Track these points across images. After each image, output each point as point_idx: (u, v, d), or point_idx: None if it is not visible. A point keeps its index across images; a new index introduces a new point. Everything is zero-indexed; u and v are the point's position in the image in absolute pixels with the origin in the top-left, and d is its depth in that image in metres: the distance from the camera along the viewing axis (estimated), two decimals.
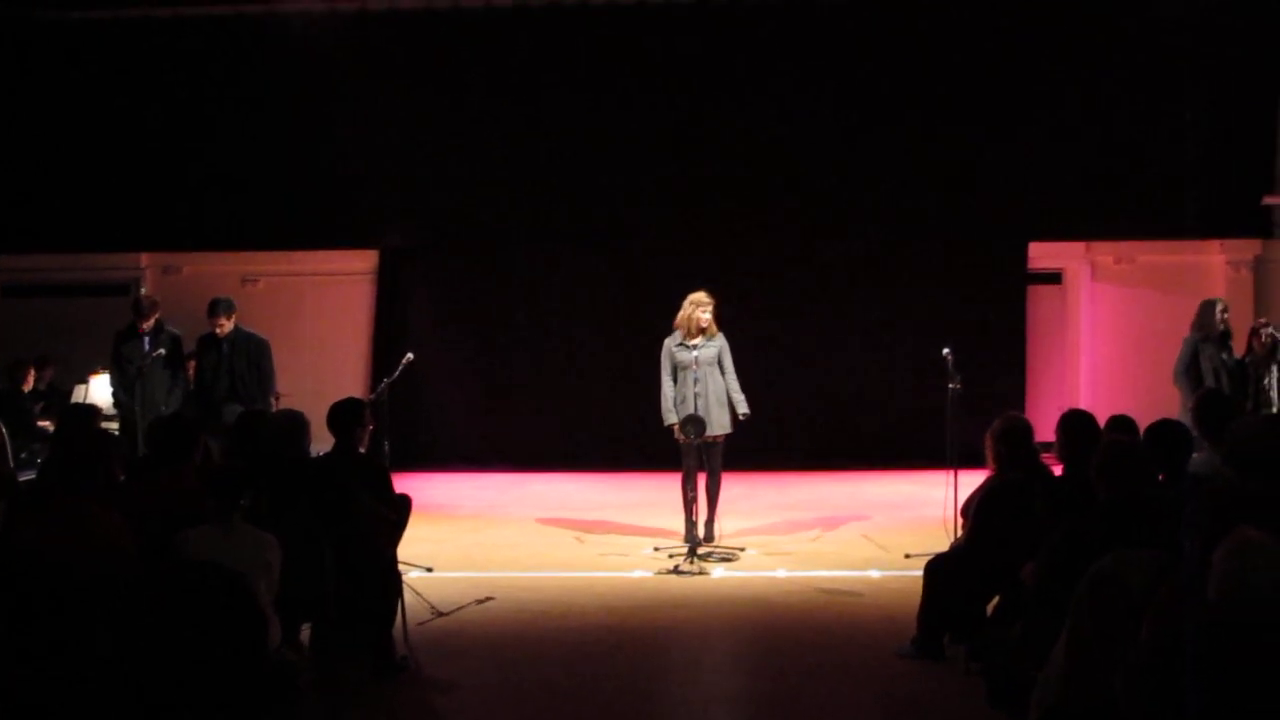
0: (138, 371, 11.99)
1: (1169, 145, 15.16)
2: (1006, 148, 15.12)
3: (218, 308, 12.12)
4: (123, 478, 7.43)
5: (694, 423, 10.57)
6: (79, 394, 13.90)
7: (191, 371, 12.52)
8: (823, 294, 15.41)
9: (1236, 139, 15.17)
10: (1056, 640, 5.43)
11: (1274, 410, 11.81)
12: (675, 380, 10.96)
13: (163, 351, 12.18)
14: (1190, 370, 12.18)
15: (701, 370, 10.78)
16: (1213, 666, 4.22)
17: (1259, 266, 15.34)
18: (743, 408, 11.01)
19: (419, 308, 15.75)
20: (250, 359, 12.10)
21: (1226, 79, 14.99)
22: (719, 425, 10.89)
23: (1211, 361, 12.12)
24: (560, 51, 15.32)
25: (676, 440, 10.91)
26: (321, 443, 8.11)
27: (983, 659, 7.07)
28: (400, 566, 8.28)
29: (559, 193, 15.45)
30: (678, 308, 11.10)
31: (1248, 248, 15.34)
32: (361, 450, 8.27)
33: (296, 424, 7.69)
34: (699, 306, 10.96)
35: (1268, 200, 15.28)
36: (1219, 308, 12.30)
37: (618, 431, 14.97)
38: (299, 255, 15.90)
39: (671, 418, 10.91)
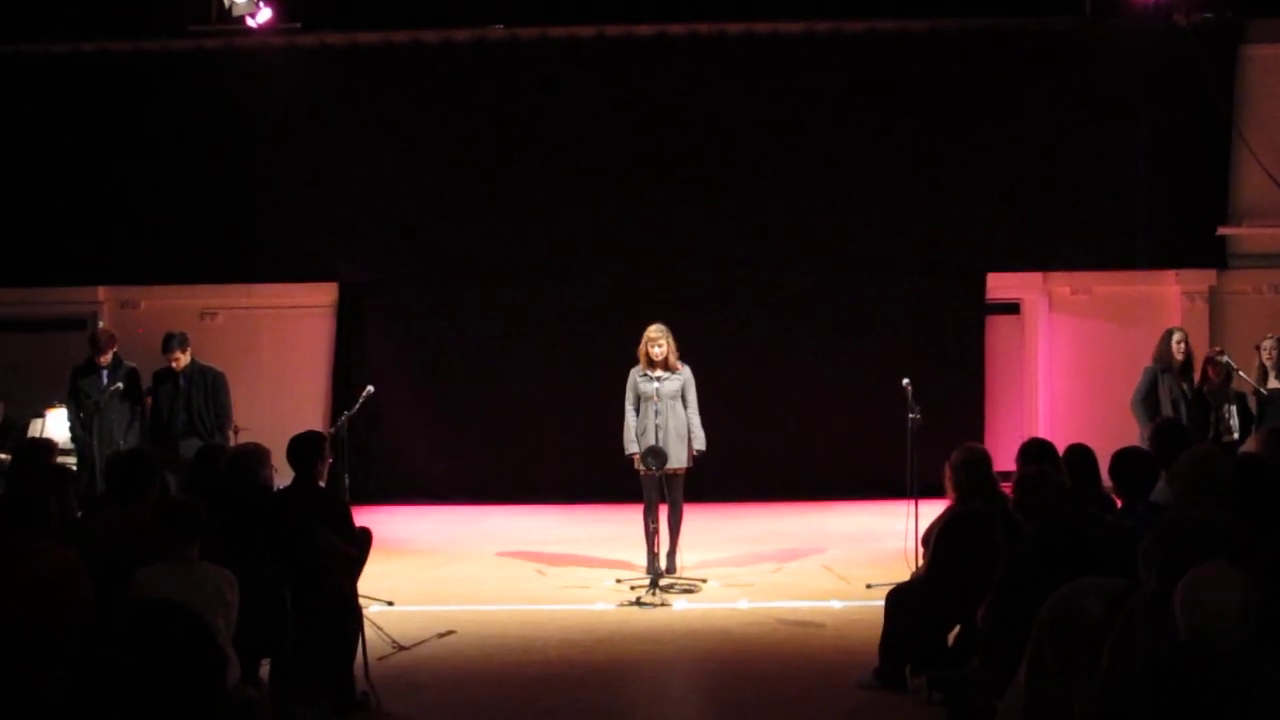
0: (96, 406, 11.91)
1: (1125, 176, 15.27)
2: (964, 179, 15.21)
3: (172, 342, 12.06)
4: (79, 513, 7.37)
5: (654, 454, 10.59)
6: (35, 429, 13.78)
7: (148, 407, 12.44)
8: (782, 326, 15.43)
9: (1191, 170, 15.30)
10: (1015, 670, 5.45)
11: (1235, 438, 11.89)
12: (638, 411, 10.99)
13: (120, 385, 12.10)
14: (1148, 399, 12.26)
15: (663, 403, 10.80)
16: (1170, 699, 4.24)
17: (1214, 297, 15.45)
18: (698, 444, 11.02)
19: (378, 341, 15.68)
20: (207, 393, 12.04)
21: (1181, 110, 15.13)
22: (677, 458, 10.89)
23: (1170, 392, 12.20)
24: (519, 85, 15.32)
25: (637, 471, 10.92)
26: (281, 476, 8.07)
27: (943, 689, 7.10)
28: (360, 601, 8.23)
29: (518, 227, 15.44)
30: (637, 341, 11.13)
31: (1203, 278, 15.45)
32: (321, 484, 8.23)
33: (255, 457, 7.64)
34: (650, 342, 11.00)
35: (1222, 231, 15.42)
36: (1174, 338, 12.40)
37: (579, 464, 14.93)
38: (258, 289, 15.81)
39: (633, 448, 10.93)
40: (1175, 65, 14.96)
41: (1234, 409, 12.11)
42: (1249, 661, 4.26)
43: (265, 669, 7.20)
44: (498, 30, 15.24)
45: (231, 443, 11.49)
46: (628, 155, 15.35)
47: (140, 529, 6.73)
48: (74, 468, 11.96)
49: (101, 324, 14.79)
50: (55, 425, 13.36)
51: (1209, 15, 14.90)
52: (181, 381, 11.99)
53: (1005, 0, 14.90)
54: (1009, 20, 15.05)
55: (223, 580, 6.34)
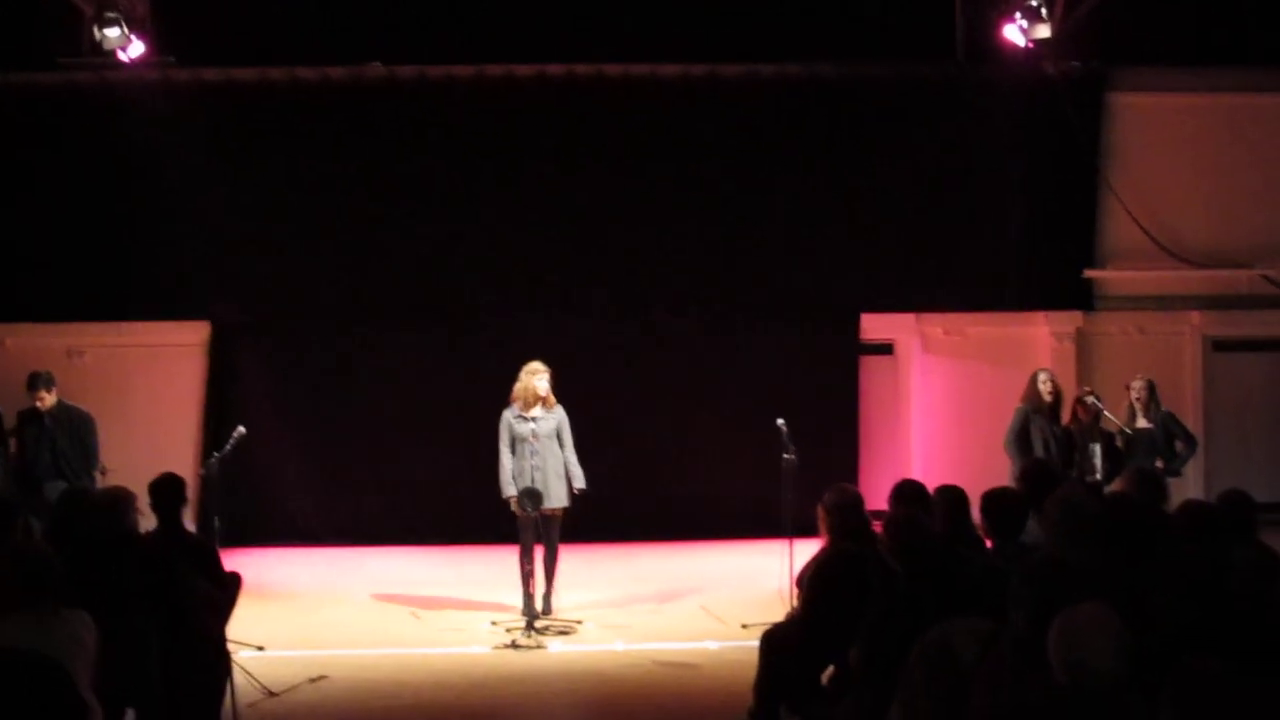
0: None
1: (995, 220, 15.56)
2: (839, 222, 15.37)
3: (38, 381, 11.80)
4: None
5: (531, 496, 10.55)
6: None
7: (12, 448, 12.14)
8: (658, 366, 15.44)
9: (1059, 215, 15.63)
10: (888, 710, 5.48)
11: (1098, 478, 12.10)
12: (514, 452, 10.93)
13: None
14: (1020, 439, 12.45)
15: (540, 443, 10.78)
16: None
17: (1081, 338, 15.77)
18: (579, 482, 11.03)
19: (251, 381, 15.41)
20: (73, 434, 11.80)
21: (1050, 156, 15.47)
22: (557, 499, 10.88)
23: (1042, 432, 12.39)
24: (395, 124, 15.25)
25: (514, 513, 10.86)
26: (147, 520, 7.91)
27: None
28: (230, 646, 8.08)
29: (392, 267, 15.31)
30: (512, 381, 11.10)
31: (1070, 320, 15.76)
32: (190, 527, 8.09)
33: (120, 502, 7.48)
34: (534, 375, 10.99)
35: (1089, 274, 15.77)
36: (1041, 379, 12.62)
37: (454, 506, 14.80)
38: (128, 327, 15.47)
39: (510, 490, 10.87)
40: (1044, 112, 15.33)
41: (1098, 449, 12.33)
42: (1123, 702, 4.31)
43: (131, 718, 7.03)
44: (375, 68, 15.18)
45: (98, 484, 11.26)
46: (504, 195, 15.31)
47: None
48: None
49: None
50: None
51: (1076, 64, 15.28)
52: (47, 422, 11.74)
53: (879, 46, 15.13)
54: (882, 65, 15.28)
55: (78, 623, 6.12)
